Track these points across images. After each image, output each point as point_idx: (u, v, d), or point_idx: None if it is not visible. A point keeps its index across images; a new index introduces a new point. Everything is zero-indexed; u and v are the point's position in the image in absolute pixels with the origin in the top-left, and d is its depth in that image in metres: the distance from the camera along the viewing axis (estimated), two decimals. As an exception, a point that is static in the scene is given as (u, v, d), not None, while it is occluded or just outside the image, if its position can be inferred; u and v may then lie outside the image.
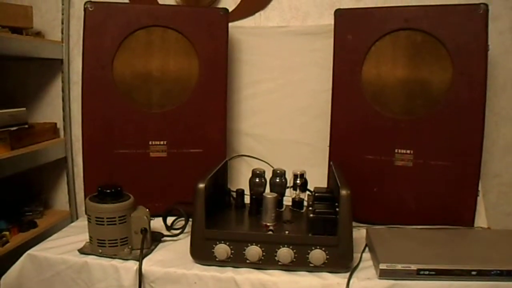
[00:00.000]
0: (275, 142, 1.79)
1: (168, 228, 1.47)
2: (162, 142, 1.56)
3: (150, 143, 1.56)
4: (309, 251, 1.22)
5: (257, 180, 1.43)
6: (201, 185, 1.23)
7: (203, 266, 1.26)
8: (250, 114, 1.79)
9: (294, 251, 1.22)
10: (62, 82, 1.91)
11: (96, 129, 1.55)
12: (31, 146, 1.74)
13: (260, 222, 1.31)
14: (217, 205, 1.41)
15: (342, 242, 1.21)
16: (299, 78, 1.76)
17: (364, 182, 1.49)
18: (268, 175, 1.45)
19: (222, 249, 1.22)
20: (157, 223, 1.48)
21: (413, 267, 1.20)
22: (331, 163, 1.48)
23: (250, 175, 1.46)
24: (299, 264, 1.22)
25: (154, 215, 1.50)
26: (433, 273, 1.19)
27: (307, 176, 1.46)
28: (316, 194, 1.35)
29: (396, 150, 1.52)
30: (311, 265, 1.22)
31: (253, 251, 1.21)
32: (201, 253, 1.25)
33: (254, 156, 1.77)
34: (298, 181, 1.44)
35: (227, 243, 1.23)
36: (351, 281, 1.20)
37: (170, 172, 1.56)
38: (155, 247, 1.37)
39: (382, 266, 1.20)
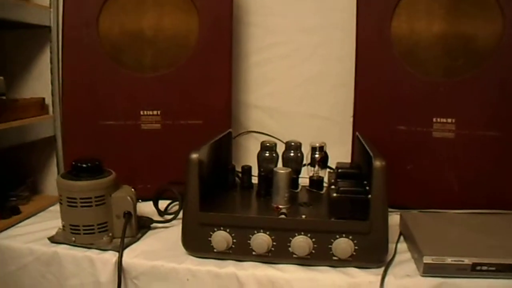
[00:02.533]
0: (288, 116, 1.45)
1: (161, 213, 1.14)
2: (155, 112, 1.24)
3: (141, 113, 1.24)
4: (332, 240, 0.88)
5: (267, 154, 1.09)
6: (194, 155, 0.90)
7: (198, 259, 0.93)
8: (259, 84, 1.46)
9: (313, 240, 0.88)
10: (51, 52, 1.57)
11: (78, 97, 1.23)
12: (13, 122, 1.42)
13: (270, 204, 0.98)
14: (218, 185, 1.08)
15: (375, 228, 0.88)
16: (316, 42, 1.43)
17: (396, 159, 1.14)
18: (281, 149, 1.11)
19: (221, 238, 0.90)
20: (148, 208, 1.16)
21: (467, 261, 0.86)
22: (357, 134, 1.13)
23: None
24: (319, 257, 0.90)
25: (145, 198, 1.18)
26: (493, 268, 0.86)
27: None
28: (340, 171, 1.01)
29: (434, 119, 1.18)
30: (334, 258, 0.89)
31: (261, 240, 0.88)
32: (195, 242, 0.93)
33: (264, 132, 1.44)
34: (316, 156, 1.10)
35: (228, 230, 0.90)
36: (386, 279, 0.87)
37: (165, 148, 1.23)
38: (143, 235, 1.05)
39: (427, 259, 0.86)
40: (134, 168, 1.22)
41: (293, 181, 1.07)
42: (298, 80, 1.44)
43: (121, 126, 1.23)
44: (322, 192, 1.09)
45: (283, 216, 0.91)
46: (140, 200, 1.08)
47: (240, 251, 0.91)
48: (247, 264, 0.91)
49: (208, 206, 0.93)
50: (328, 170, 1.12)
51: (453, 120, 1.16)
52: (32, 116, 1.53)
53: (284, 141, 1.13)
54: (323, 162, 1.10)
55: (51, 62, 1.57)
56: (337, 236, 0.88)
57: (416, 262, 0.91)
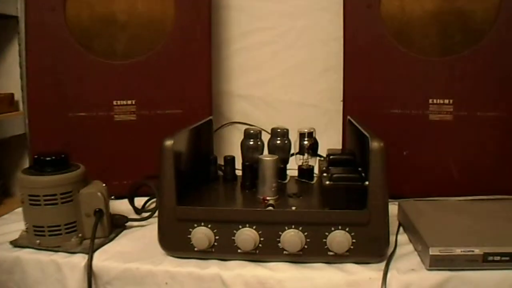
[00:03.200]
0: (273, 105, 1.33)
1: (138, 210, 1.02)
2: (129, 102, 1.11)
3: (114, 103, 1.11)
4: (326, 233, 0.76)
5: (251, 142, 0.97)
6: (169, 142, 0.78)
7: (177, 260, 0.81)
8: (242, 72, 1.34)
9: (305, 234, 0.76)
10: (19, 45, 1.43)
11: (45, 87, 1.09)
12: (-23, 120, 1.28)
13: (256, 196, 0.85)
14: (198, 178, 0.96)
15: (375, 218, 0.76)
16: (302, 26, 1.31)
17: (390, 144, 1.01)
18: (266, 138, 0.99)
19: (202, 235, 0.77)
20: (125, 206, 1.03)
21: (478, 251, 0.75)
22: (348, 118, 1.02)
23: (243, 140, 1.00)
24: (313, 252, 0.78)
25: (121, 196, 1.05)
26: (506, 258, 0.76)
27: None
28: (332, 157, 0.89)
29: (430, 101, 1.07)
30: (330, 253, 0.77)
31: (247, 236, 0.76)
32: (174, 241, 0.80)
33: (248, 123, 1.31)
34: (305, 142, 0.98)
35: (209, 226, 0.78)
36: (388, 275, 0.75)
37: (141, 140, 1.10)
38: (117, 235, 0.92)
39: (434, 251, 0.75)
40: (108, 163, 1.09)
41: (281, 171, 0.95)
42: (283, 67, 1.32)
43: (93, 118, 1.10)
44: (312, 182, 0.97)
45: (270, 208, 0.79)
46: (113, 197, 0.95)
47: (224, 249, 0.78)
48: (232, 263, 0.79)
49: (186, 200, 0.81)
50: (318, 158, 1.00)
51: (451, 101, 1.05)
52: (0, 113, 1.39)
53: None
54: (313, 149, 0.98)
55: (20, 55, 1.43)
56: (332, 229, 0.76)
57: (421, 254, 0.79)
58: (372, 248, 0.77)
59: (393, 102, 1.08)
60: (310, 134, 0.98)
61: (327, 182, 0.80)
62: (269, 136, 0.99)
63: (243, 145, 0.98)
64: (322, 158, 0.99)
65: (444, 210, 0.93)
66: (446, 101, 1.05)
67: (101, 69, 1.10)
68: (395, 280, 0.75)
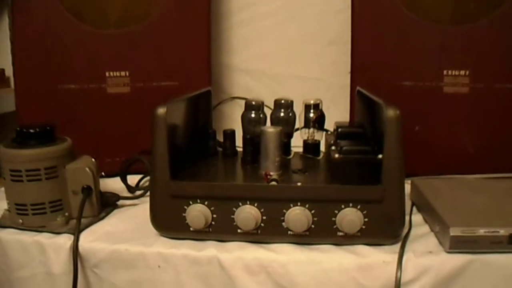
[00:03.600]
0: (276, 79, 1.23)
1: (131, 188, 0.93)
2: (123, 73, 1.02)
3: (107, 74, 1.01)
4: (336, 211, 0.67)
5: (252, 115, 0.88)
6: (162, 110, 0.68)
7: (171, 241, 0.73)
8: (243, 44, 1.24)
9: (313, 212, 0.68)
10: (9, 18, 1.33)
11: (32, 58, 1.00)
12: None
13: (258, 172, 0.76)
14: (196, 153, 0.86)
15: (390, 194, 0.67)
16: (305, -4, 1.20)
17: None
18: (269, 112, 0.90)
19: (197, 213, 0.68)
20: (118, 185, 0.94)
21: (503, 231, 0.67)
22: (358, 88, 0.92)
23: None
24: (321, 233, 0.69)
25: (114, 174, 0.96)
26: (535, 240, 0.66)
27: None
28: (340, 130, 0.80)
29: (444, 72, 0.97)
30: (339, 234, 0.68)
31: (247, 214, 0.67)
32: (167, 219, 0.71)
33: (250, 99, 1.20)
34: (311, 115, 0.88)
35: (206, 203, 0.69)
36: (404, 258, 0.66)
37: (135, 114, 1.01)
38: (107, 214, 0.84)
39: (455, 231, 0.66)
40: (100, 139, 1.00)
41: (285, 146, 0.86)
42: (286, 39, 1.22)
43: (84, 90, 1.01)
44: (319, 158, 0.88)
45: (273, 183, 0.70)
46: (103, 174, 0.86)
47: (222, 229, 0.70)
48: (231, 245, 0.70)
49: (181, 174, 0.72)
50: (325, 133, 0.91)
51: (467, 72, 0.96)
52: (-11, 89, 1.30)
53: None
54: (319, 122, 0.88)
55: (10, 30, 1.33)
56: (342, 206, 0.67)
57: (439, 235, 0.71)
58: (386, 228, 0.68)
59: (405, 74, 0.98)
60: (317, 106, 0.89)
61: (336, 155, 0.71)
62: (271, 111, 0.90)
63: (244, 117, 0.88)
64: (329, 132, 0.90)
65: (461, 189, 0.83)
66: (462, 72, 0.96)
67: (93, 39, 1.00)
68: (412, 264, 0.66)
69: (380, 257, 0.67)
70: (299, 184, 0.70)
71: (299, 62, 1.22)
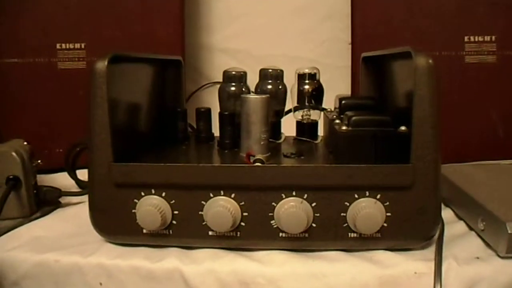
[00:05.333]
0: (263, 60, 0.98)
1: (81, 183, 0.69)
2: (78, 46, 0.79)
3: (58, 46, 0.79)
4: (346, 203, 0.45)
5: (232, 88, 0.65)
6: (101, 64, 0.46)
7: (118, 248, 0.50)
8: (225, 21, 1.01)
9: (314, 205, 0.45)
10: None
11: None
12: None
13: (239, 155, 0.53)
14: (159, 137, 0.63)
15: (423, 178, 0.44)
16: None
17: None
18: (253, 82, 0.67)
19: (151, 208, 0.45)
20: (68, 181, 0.70)
21: None
22: (363, 56, 0.69)
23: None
24: (325, 234, 0.46)
25: (59, 168, 0.72)
26: None
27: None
28: (345, 102, 0.58)
29: (466, 38, 0.76)
30: (351, 235, 0.46)
31: (221, 209, 0.44)
32: (111, 218, 0.48)
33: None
34: (306, 87, 0.66)
35: (163, 194, 0.46)
36: (443, 267, 0.43)
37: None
38: (45, 214, 0.61)
39: (513, 229, 0.43)
40: (50, 124, 0.77)
41: (273, 127, 0.64)
42: (275, 14, 0.99)
43: (30, 65, 0.77)
44: (317, 141, 0.65)
45: (258, 164, 0.47)
46: (40, 162, 0.62)
47: (187, 231, 0.47)
48: (199, 253, 0.47)
49: (131, 157, 0.49)
50: (323, 112, 0.68)
51: (493, 38, 0.74)
52: None
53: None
54: (316, 97, 0.66)
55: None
56: (356, 196, 0.44)
57: (486, 235, 0.48)
58: (415, 226, 0.45)
59: (417, 41, 0.76)
60: (313, 76, 0.67)
61: (344, 128, 0.48)
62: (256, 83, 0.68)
63: (222, 91, 0.66)
64: (328, 109, 0.67)
65: (500, 177, 0.61)
66: (487, 38, 0.74)
67: (41, 4, 0.77)
68: (455, 275, 0.43)
69: (410, 267, 0.44)
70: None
71: (290, 40, 0.99)
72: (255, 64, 0.96)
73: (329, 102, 0.69)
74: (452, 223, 0.55)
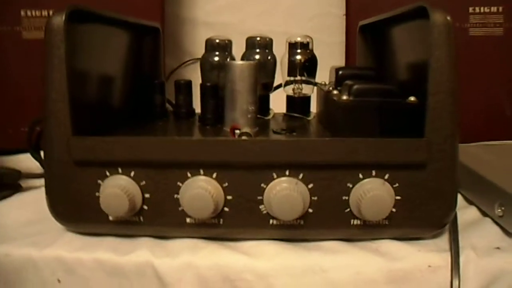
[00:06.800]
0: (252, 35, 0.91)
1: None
2: (45, 12, 0.69)
3: (22, 13, 0.69)
4: (349, 184, 0.37)
5: (215, 58, 0.57)
6: (58, 18, 0.37)
7: (80, 238, 0.41)
8: (210, -8, 0.92)
9: (311, 186, 0.37)
10: None
11: None
12: None
13: (223, 129, 0.45)
14: (132, 112, 0.54)
15: (439, 154, 0.36)
16: None
17: None
18: (239, 51, 0.59)
19: (117, 191, 0.37)
20: (30, 162, 0.60)
21: None
22: (360, 24, 0.61)
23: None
24: (324, 221, 0.38)
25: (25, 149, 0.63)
26: None
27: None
28: (342, 73, 0.50)
29: (470, 9, 0.68)
30: (355, 222, 0.38)
31: (201, 191, 0.36)
32: (71, 203, 0.39)
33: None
34: (298, 57, 0.58)
35: (132, 174, 0.37)
36: (461, 259, 0.36)
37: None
38: (2, 199, 0.51)
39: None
40: (12, 101, 0.68)
41: (262, 101, 0.55)
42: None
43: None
44: (309, 118, 0.57)
45: (244, 137, 0.39)
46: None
47: (160, 218, 0.39)
48: (175, 243, 0.39)
49: (97, 133, 0.40)
50: (317, 86, 0.60)
51: (500, 9, 0.67)
52: None
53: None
54: (309, 68, 0.58)
55: None
56: (360, 176, 0.37)
57: (505, 221, 0.41)
58: (429, 212, 0.38)
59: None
60: (305, 46, 0.59)
61: (344, 98, 0.41)
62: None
63: (205, 62, 0.57)
64: (323, 82, 0.59)
65: (510, 156, 0.54)
66: (494, 9, 0.67)
67: (2, -34, 0.68)
68: (474, 268, 0.36)
69: (423, 260, 0.37)
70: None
71: (279, 14, 0.91)
72: (241, 39, 0.88)
73: (321, 78, 0.61)
74: (462, 208, 0.47)
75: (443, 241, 0.40)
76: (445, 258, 0.37)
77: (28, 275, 0.39)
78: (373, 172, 0.36)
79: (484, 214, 0.45)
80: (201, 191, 0.35)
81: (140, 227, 0.39)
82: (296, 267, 0.36)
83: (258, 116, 0.50)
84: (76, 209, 0.39)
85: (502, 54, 0.67)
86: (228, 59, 0.57)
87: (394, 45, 0.50)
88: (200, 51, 0.92)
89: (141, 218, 0.39)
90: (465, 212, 0.46)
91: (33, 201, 0.50)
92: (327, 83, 0.57)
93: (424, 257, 0.37)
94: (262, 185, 0.37)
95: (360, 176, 0.36)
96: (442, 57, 0.36)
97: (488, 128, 0.67)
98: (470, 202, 0.49)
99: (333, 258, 0.37)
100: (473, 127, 0.67)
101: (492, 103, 0.68)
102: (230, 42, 0.59)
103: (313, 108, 0.60)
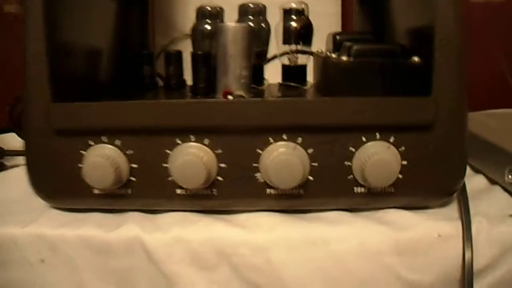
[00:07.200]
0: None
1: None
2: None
3: (1, -14, 0.65)
4: (352, 148, 0.34)
5: (207, 26, 0.53)
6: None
7: (64, 215, 0.38)
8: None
9: (311, 151, 0.34)
10: None
11: None
12: None
13: (215, 97, 0.42)
14: (120, 83, 0.51)
15: (447, 114, 0.33)
16: None
17: None
18: (231, 18, 0.55)
19: (102, 160, 0.34)
20: (15, 141, 0.57)
21: None
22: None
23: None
24: (326, 189, 0.35)
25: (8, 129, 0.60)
26: None
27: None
28: (340, 37, 0.46)
29: (472, -27, 0.64)
30: (358, 190, 0.35)
31: (192, 158, 0.33)
32: (53, 176, 0.36)
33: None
34: (293, 24, 0.54)
35: (116, 142, 0.34)
36: (473, 228, 0.33)
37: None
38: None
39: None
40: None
41: (256, 71, 0.52)
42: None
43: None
44: (306, 87, 0.54)
45: (237, 97, 0.36)
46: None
47: (148, 189, 0.36)
48: (165, 217, 0.37)
49: (77, 100, 0.37)
50: (313, 56, 0.57)
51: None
52: None
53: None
54: (304, 36, 0.55)
55: None
56: (364, 139, 0.34)
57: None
58: (437, 178, 0.35)
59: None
60: (300, 13, 0.55)
61: (344, 59, 0.38)
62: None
63: (196, 31, 0.54)
64: (319, 51, 0.56)
65: (517, 123, 0.52)
66: (496, -28, 0.64)
67: None
68: (486, 236, 0.34)
69: (431, 228, 0.34)
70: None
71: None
72: (234, 13, 0.84)
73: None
74: (469, 177, 0.44)
75: (452, 210, 0.37)
76: (456, 227, 0.34)
77: (8, 255, 0.37)
78: (377, 135, 0.34)
79: (493, 182, 0.43)
80: (191, 157, 0.33)
81: (127, 200, 0.36)
82: (295, 239, 0.34)
83: (252, 86, 0.47)
84: (59, 183, 0.36)
85: (503, 21, 0.64)
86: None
87: (394, 11, 0.47)
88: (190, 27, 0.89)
89: (128, 191, 0.36)
90: (471, 180, 0.44)
91: (17, 179, 0.47)
92: (324, 49, 0.54)
93: (432, 225, 0.34)
94: (258, 150, 0.34)
95: (363, 139, 0.34)
96: (448, 12, 0.33)
97: (490, 97, 0.64)
98: (477, 171, 0.46)
99: (335, 229, 0.34)
100: (474, 95, 0.64)
101: (493, 72, 0.65)
102: (221, 9, 0.55)
103: (310, 78, 0.57)
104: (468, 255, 0.33)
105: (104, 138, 0.35)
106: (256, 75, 0.52)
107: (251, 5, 0.55)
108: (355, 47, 0.38)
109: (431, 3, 0.34)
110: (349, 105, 0.33)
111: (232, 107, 0.33)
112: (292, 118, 0.33)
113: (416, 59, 0.37)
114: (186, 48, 0.87)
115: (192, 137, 0.34)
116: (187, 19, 0.87)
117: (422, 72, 0.35)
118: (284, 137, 0.33)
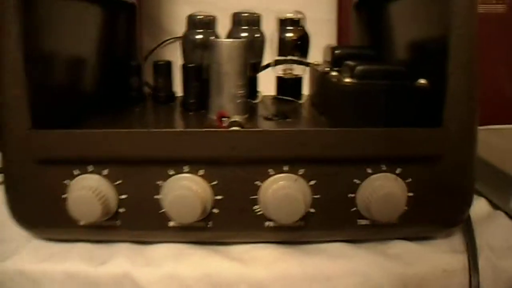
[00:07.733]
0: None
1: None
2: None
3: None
4: (356, 180, 0.32)
5: (198, 36, 0.50)
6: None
7: (48, 246, 0.35)
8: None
9: (313, 183, 0.32)
10: None
11: None
12: None
13: (207, 117, 0.39)
14: (106, 98, 0.48)
15: (458, 145, 0.32)
16: None
17: None
18: (223, 29, 0.53)
19: (86, 194, 0.31)
20: None
21: None
22: (355, 0, 0.56)
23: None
24: (328, 223, 0.33)
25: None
26: None
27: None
28: (338, 52, 0.44)
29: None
30: (361, 222, 0.33)
31: (185, 192, 0.31)
32: (34, 205, 0.33)
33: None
34: (289, 35, 0.52)
35: (104, 172, 0.32)
36: (479, 261, 0.31)
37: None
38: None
39: None
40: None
41: (251, 83, 0.50)
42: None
43: None
44: (301, 101, 0.52)
45: (236, 128, 0.33)
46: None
47: (139, 221, 0.33)
48: (158, 249, 0.34)
49: (63, 124, 0.34)
50: (310, 67, 0.55)
51: (502, -17, 0.62)
52: None
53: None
54: (301, 47, 0.53)
55: None
56: (369, 171, 0.32)
57: (525, 218, 0.37)
58: (443, 209, 0.33)
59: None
60: (296, 23, 0.53)
61: (348, 81, 0.36)
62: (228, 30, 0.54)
63: (186, 41, 0.51)
64: (316, 63, 0.54)
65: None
66: (495, -17, 0.62)
67: None
68: (493, 270, 0.32)
69: (437, 263, 0.32)
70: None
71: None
72: (224, 19, 0.82)
73: (311, 58, 0.56)
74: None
75: (457, 239, 0.35)
76: (461, 261, 0.33)
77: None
78: (383, 167, 0.32)
79: (496, 207, 0.41)
80: (185, 191, 0.30)
81: (116, 231, 0.34)
82: (295, 275, 0.32)
83: (248, 100, 0.44)
84: (41, 213, 0.34)
85: (504, 33, 0.62)
86: (212, 37, 0.51)
87: (395, 21, 0.45)
88: (180, 29, 0.86)
89: (117, 222, 0.33)
90: (475, 205, 0.42)
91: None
92: (321, 61, 0.52)
93: (438, 260, 0.33)
94: (257, 182, 0.32)
95: (369, 171, 0.32)
96: (464, 35, 0.31)
97: (490, 111, 0.63)
98: (479, 194, 0.44)
99: (337, 263, 0.32)
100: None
101: (493, 85, 0.63)
102: (214, 18, 0.52)
103: (305, 90, 0.55)
104: (476, 292, 0.31)
105: (90, 168, 0.32)
106: (250, 88, 0.50)
107: (246, 14, 0.52)
108: (359, 67, 0.36)
109: (441, 19, 0.32)
110: (354, 136, 0.31)
111: (229, 138, 0.31)
112: (293, 149, 0.31)
113: (422, 81, 0.35)
114: (175, 51, 0.85)
115: (186, 168, 0.31)
116: (176, 21, 0.85)
117: (429, 96, 0.33)
118: (285, 168, 0.31)
